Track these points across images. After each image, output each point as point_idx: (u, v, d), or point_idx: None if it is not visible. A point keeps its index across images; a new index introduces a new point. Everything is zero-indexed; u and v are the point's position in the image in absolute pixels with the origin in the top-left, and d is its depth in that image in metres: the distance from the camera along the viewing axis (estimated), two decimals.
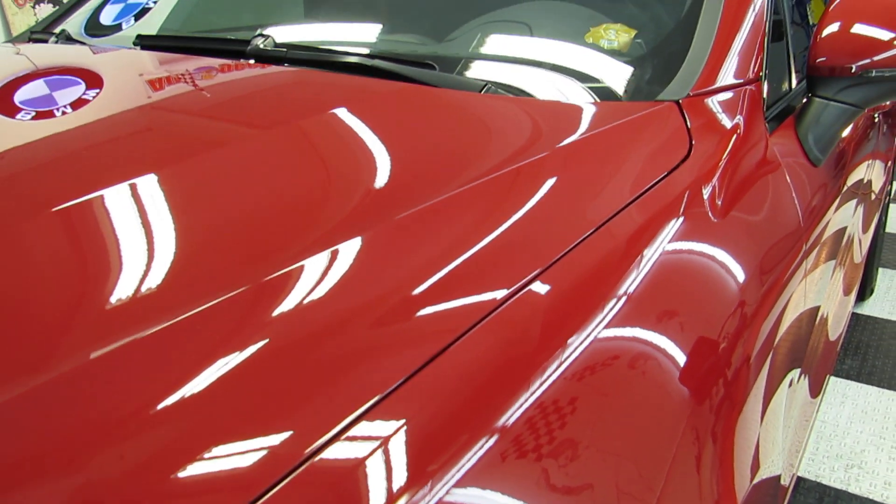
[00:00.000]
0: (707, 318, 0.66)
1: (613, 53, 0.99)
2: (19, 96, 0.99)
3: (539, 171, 0.69)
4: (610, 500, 0.48)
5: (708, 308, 0.67)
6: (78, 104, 0.93)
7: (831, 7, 1.06)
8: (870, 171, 1.73)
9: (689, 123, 0.83)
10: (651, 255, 0.64)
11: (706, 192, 0.75)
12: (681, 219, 0.69)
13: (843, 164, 1.30)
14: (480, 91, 0.89)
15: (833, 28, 1.05)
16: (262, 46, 1.11)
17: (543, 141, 0.76)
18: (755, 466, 0.73)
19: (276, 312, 0.48)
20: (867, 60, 1.02)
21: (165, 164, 0.71)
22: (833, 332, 1.45)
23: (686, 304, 0.64)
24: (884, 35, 1.03)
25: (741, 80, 0.95)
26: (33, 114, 0.91)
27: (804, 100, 1.09)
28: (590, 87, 0.92)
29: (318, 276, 0.52)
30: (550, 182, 0.68)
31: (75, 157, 0.75)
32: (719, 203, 0.75)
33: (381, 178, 0.67)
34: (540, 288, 0.55)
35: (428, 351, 0.46)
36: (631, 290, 0.60)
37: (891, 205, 3.76)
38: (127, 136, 0.81)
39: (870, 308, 2.88)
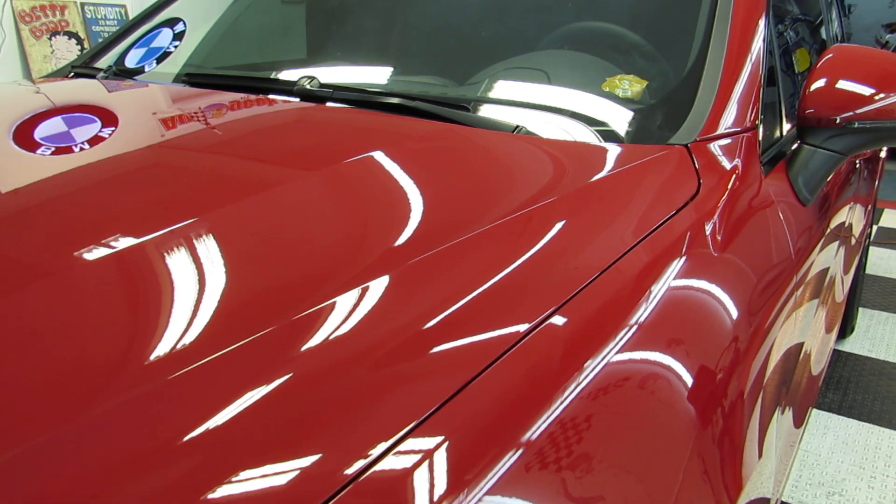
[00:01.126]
0: (709, 347, 0.73)
1: (628, 101, 1.11)
2: (39, 132, 1.04)
3: (564, 207, 0.80)
4: None
5: (712, 336, 0.74)
6: (94, 141, 0.98)
7: (819, 64, 1.20)
8: (851, 215, 1.86)
9: (696, 165, 0.95)
10: (663, 284, 0.73)
11: (710, 228, 0.86)
12: (695, 249, 0.81)
13: (827, 206, 1.42)
14: (512, 132, 1.01)
15: (820, 83, 1.18)
16: (308, 87, 1.22)
17: (569, 179, 0.88)
18: (752, 488, 0.79)
19: (315, 343, 0.53)
20: (850, 113, 1.15)
21: (196, 202, 0.77)
22: (816, 366, 1.55)
23: (690, 333, 0.72)
24: (865, 91, 1.16)
25: (740, 128, 1.07)
26: (53, 149, 0.96)
27: (794, 146, 1.22)
28: (609, 131, 1.04)
29: (353, 308, 0.58)
30: (574, 218, 0.79)
31: (99, 192, 0.80)
32: (719, 238, 0.86)
33: (415, 216, 0.76)
34: (559, 319, 0.61)
35: (460, 378, 0.52)
36: (642, 319, 0.67)
37: (870, 247, 3.91)
38: (147, 175, 0.87)
39: (850, 345, 3.01)
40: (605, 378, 0.60)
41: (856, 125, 1.15)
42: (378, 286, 0.61)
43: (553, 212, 0.78)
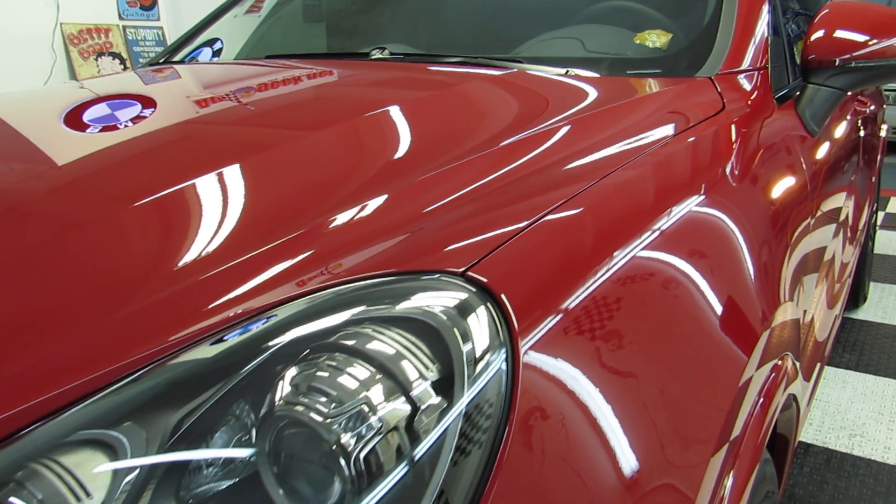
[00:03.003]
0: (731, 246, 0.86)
1: (657, 50, 1.31)
2: (86, 116, 1.17)
3: (609, 116, 1.00)
4: (646, 388, 0.61)
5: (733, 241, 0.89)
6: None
7: (817, 18, 1.40)
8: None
9: (719, 89, 1.14)
10: (697, 175, 0.92)
11: (736, 131, 1.06)
12: (720, 149, 1.00)
13: (834, 138, 1.62)
14: (564, 74, 1.21)
15: (819, 34, 1.38)
16: (381, 56, 1.43)
17: (612, 97, 1.08)
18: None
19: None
20: (847, 56, 1.35)
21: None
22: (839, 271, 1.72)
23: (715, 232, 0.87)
24: (859, 37, 1.36)
25: (753, 67, 1.27)
26: (100, 127, 1.07)
27: (800, 86, 1.41)
28: (645, 71, 1.24)
29: (457, 175, 0.75)
30: (631, 119, 0.98)
31: (161, 149, 0.95)
32: (742, 142, 1.05)
33: (504, 115, 0.96)
34: (594, 199, 0.73)
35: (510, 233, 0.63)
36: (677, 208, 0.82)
37: (879, 230, 4.09)
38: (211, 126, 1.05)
39: (864, 314, 3.17)
40: (632, 268, 0.68)
41: (852, 65, 1.35)
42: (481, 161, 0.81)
43: (604, 117, 0.98)
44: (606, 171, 0.78)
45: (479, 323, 0.53)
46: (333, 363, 0.50)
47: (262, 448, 0.48)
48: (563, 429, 0.54)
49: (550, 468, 0.52)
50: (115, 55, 3.94)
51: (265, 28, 2.21)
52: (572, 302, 0.61)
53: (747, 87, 1.21)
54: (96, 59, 3.85)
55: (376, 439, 0.47)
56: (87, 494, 0.46)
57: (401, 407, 0.49)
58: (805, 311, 1.24)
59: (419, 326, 0.52)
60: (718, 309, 0.78)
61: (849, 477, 2.04)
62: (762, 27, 1.34)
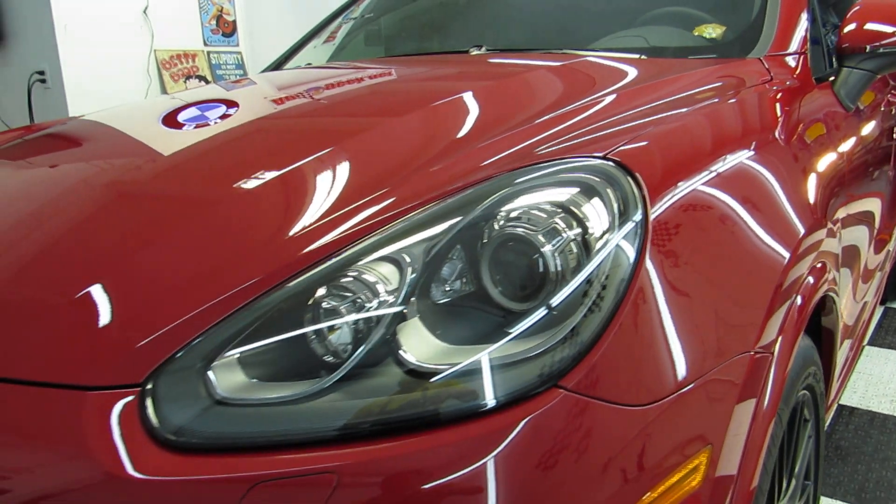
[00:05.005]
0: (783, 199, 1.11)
1: (713, 39, 1.59)
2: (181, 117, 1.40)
3: (692, 76, 1.27)
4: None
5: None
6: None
7: (849, 13, 1.66)
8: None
9: (767, 66, 1.41)
10: (747, 135, 1.18)
11: (783, 97, 1.32)
12: (769, 113, 1.26)
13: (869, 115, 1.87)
14: (638, 57, 1.49)
15: (852, 26, 1.64)
16: (479, 52, 1.73)
17: (691, 68, 1.35)
18: None
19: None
20: (876, 43, 1.61)
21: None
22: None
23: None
24: (888, 29, 1.62)
25: (795, 51, 1.53)
26: (194, 125, 1.29)
27: (835, 69, 1.67)
28: (705, 56, 1.52)
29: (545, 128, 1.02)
30: (699, 79, 1.25)
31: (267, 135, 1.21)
32: (787, 108, 1.32)
33: (597, 84, 1.24)
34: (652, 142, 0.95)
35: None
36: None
37: None
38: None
39: None
40: (692, 199, 0.88)
41: (881, 51, 1.61)
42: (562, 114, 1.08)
43: (679, 79, 1.26)
44: (688, 106, 1.06)
45: (623, 186, 0.80)
46: (531, 206, 0.78)
47: (485, 259, 0.75)
48: (670, 287, 0.78)
49: (655, 314, 0.75)
50: (200, 77, 4.33)
51: (337, 52, 2.54)
52: (675, 194, 0.87)
53: (790, 66, 1.48)
54: (185, 82, 4.24)
55: (563, 254, 0.74)
56: (376, 293, 0.73)
57: (577, 232, 0.76)
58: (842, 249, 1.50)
59: (581, 186, 0.80)
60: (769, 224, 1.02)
61: (890, 433, 2.24)
62: (803, 19, 1.61)
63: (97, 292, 0.80)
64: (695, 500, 0.75)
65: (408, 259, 0.75)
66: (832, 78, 1.67)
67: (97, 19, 3.95)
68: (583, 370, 0.67)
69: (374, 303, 0.72)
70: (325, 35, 2.62)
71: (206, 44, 4.44)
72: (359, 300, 0.73)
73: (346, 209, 0.84)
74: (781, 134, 1.21)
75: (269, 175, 0.96)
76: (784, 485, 1.10)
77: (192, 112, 1.40)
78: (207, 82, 4.37)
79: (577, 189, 0.79)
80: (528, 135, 0.97)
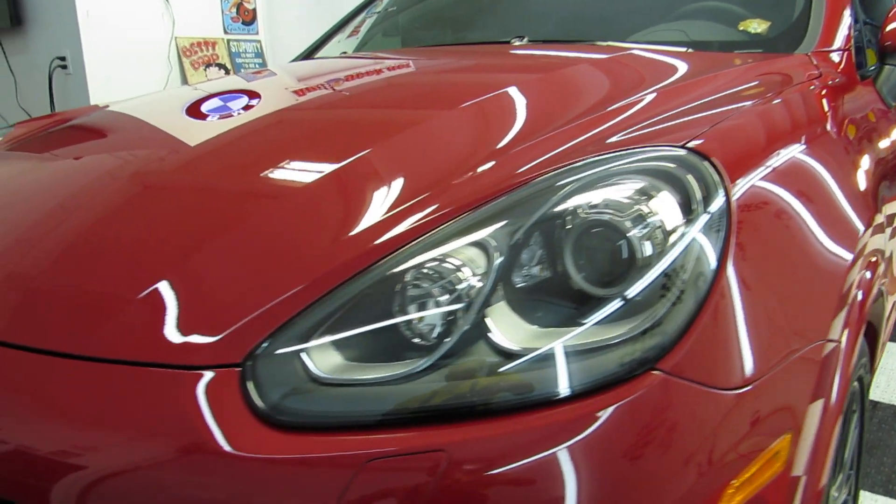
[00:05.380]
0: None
1: (758, 34, 1.61)
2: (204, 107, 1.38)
3: (745, 75, 1.29)
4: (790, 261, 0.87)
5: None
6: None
7: (892, 12, 1.67)
8: None
9: (815, 62, 1.43)
10: (806, 125, 1.20)
11: (832, 92, 1.34)
12: (822, 109, 1.27)
13: None
14: (686, 50, 1.51)
15: (893, 25, 1.65)
16: (521, 43, 1.74)
17: (745, 61, 1.37)
18: None
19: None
20: None
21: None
22: None
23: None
24: None
25: (840, 47, 1.55)
26: (217, 116, 1.29)
27: (878, 67, 1.69)
28: (753, 51, 1.54)
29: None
30: (753, 82, 1.27)
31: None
32: (835, 100, 1.33)
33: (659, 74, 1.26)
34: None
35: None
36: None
37: None
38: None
39: None
40: (764, 190, 0.89)
41: None
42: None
43: (736, 72, 1.28)
44: (750, 100, 1.08)
45: (704, 175, 0.82)
46: (615, 192, 0.79)
47: (569, 244, 0.77)
48: (749, 274, 0.79)
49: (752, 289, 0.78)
50: (220, 66, 4.34)
51: (361, 46, 2.56)
52: (750, 185, 0.88)
53: (835, 62, 1.50)
54: (205, 70, 4.25)
55: (649, 240, 0.76)
56: (464, 277, 0.75)
57: (661, 219, 0.77)
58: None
59: (665, 174, 0.81)
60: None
61: None
62: (846, 16, 1.62)
63: (191, 277, 0.83)
64: (777, 485, 0.77)
65: (494, 243, 0.77)
66: (874, 74, 1.69)
67: (119, 5, 3.95)
68: (679, 353, 0.69)
69: (464, 286, 0.74)
70: (350, 30, 2.63)
71: (226, 32, 4.44)
72: (447, 284, 0.74)
73: (427, 194, 0.86)
74: (833, 129, 1.23)
75: (342, 162, 0.98)
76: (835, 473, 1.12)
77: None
78: (227, 71, 4.38)
79: (661, 177, 0.81)
80: (600, 123, 0.99)
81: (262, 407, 0.69)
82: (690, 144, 0.86)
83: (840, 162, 1.17)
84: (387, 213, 0.85)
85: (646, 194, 0.79)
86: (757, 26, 1.60)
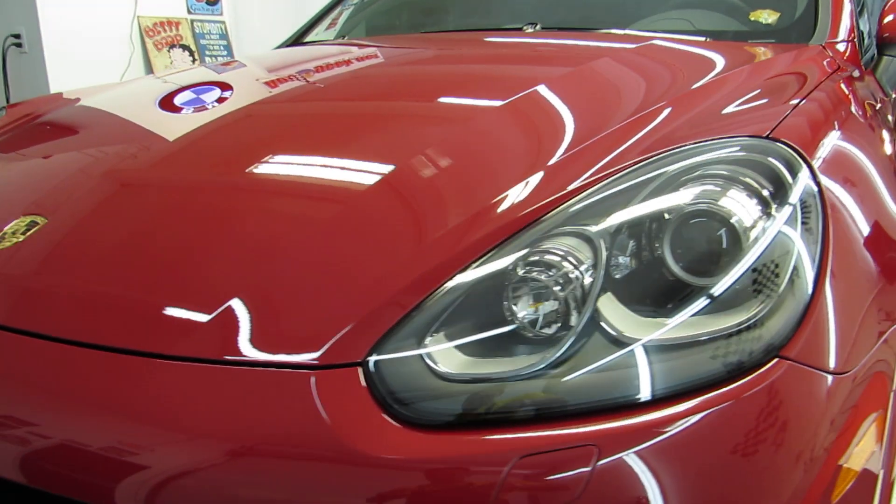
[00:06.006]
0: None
1: (769, 25, 1.65)
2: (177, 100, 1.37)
3: (783, 65, 1.32)
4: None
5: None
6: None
7: (887, 5, 1.74)
8: None
9: (830, 53, 1.48)
10: (833, 112, 1.24)
11: (851, 83, 1.39)
12: (852, 98, 1.32)
13: None
14: (704, 39, 1.54)
15: (890, 17, 1.72)
16: (533, 30, 1.75)
17: (774, 52, 1.40)
18: None
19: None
20: None
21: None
22: None
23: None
24: None
25: (846, 38, 1.61)
26: (192, 109, 1.28)
27: (877, 58, 1.76)
28: (767, 40, 1.58)
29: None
30: (793, 73, 1.30)
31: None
32: (857, 92, 1.38)
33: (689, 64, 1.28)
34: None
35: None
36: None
37: None
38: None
39: None
40: (841, 176, 0.92)
41: None
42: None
43: (769, 67, 1.31)
44: (802, 89, 1.11)
45: (793, 164, 0.84)
46: (712, 179, 0.81)
47: (667, 235, 0.78)
48: (844, 258, 0.81)
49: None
50: (184, 47, 4.22)
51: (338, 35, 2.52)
52: (828, 171, 0.90)
53: (842, 52, 1.55)
54: (169, 51, 4.13)
55: (752, 228, 0.77)
56: (574, 267, 0.76)
57: (760, 205, 0.79)
58: None
59: (754, 163, 0.84)
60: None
61: None
62: (848, 7, 1.68)
63: (289, 278, 0.81)
64: (872, 469, 0.80)
65: (597, 233, 0.78)
66: (872, 64, 1.76)
67: None
68: (800, 339, 0.71)
69: (575, 277, 0.74)
70: (328, 22, 2.57)
71: (189, 12, 4.32)
72: (558, 276, 0.74)
73: (520, 185, 0.86)
74: (862, 116, 1.28)
75: (422, 155, 0.97)
76: None
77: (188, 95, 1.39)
78: (192, 53, 4.26)
79: (752, 166, 0.83)
80: (664, 114, 1.00)
81: (396, 406, 0.68)
82: (773, 134, 0.88)
83: (876, 146, 1.22)
84: (483, 205, 0.84)
85: (743, 183, 0.81)
86: (767, 17, 1.65)
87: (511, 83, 1.24)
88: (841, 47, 1.57)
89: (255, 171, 1.02)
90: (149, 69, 4.03)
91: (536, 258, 0.76)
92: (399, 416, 0.68)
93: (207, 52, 4.27)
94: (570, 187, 0.84)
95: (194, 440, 0.69)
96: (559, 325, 0.73)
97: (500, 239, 0.79)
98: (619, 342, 0.71)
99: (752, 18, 1.67)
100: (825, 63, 1.40)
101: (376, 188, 0.91)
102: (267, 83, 1.49)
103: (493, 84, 1.31)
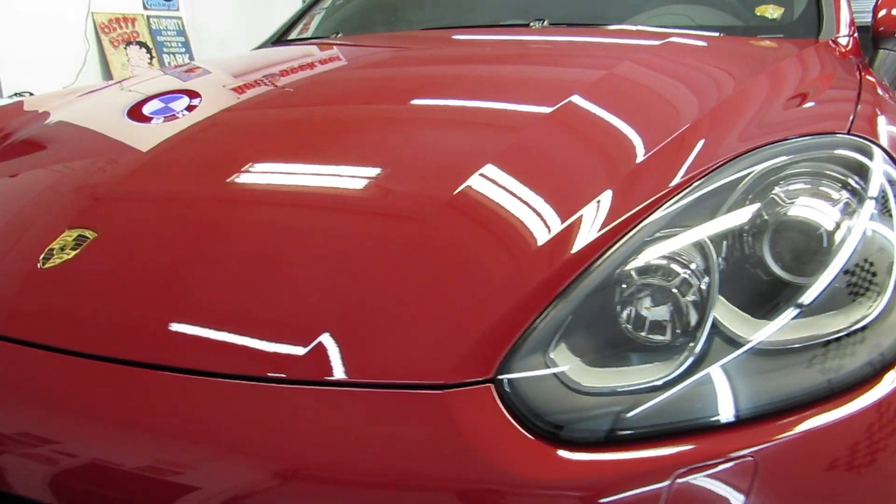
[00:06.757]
0: None
1: (774, 20, 1.68)
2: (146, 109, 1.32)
3: (799, 64, 1.35)
4: None
5: None
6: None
7: (879, 1, 1.80)
8: None
9: (840, 49, 1.52)
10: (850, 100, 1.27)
11: (865, 74, 1.42)
12: (853, 74, 1.35)
13: None
14: (717, 35, 1.56)
15: (883, 12, 1.78)
16: (540, 26, 1.74)
17: (803, 47, 1.43)
18: None
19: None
20: None
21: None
22: None
23: None
24: None
25: (847, 32, 1.65)
26: (162, 118, 1.23)
27: (872, 52, 1.81)
28: (775, 35, 1.61)
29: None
30: (812, 73, 1.33)
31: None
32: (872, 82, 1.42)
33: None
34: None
35: None
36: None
37: None
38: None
39: None
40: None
41: None
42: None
43: (808, 62, 1.33)
44: (851, 82, 1.13)
45: (875, 155, 0.85)
46: (808, 180, 0.82)
47: (767, 236, 0.78)
48: None
49: None
50: (141, 44, 4.07)
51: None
52: None
53: (852, 46, 1.59)
54: (125, 48, 3.97)
55: (852, 226, 0.77)
56: (688, 271, 0.75)
57: (856, 201, 0.79)
58: None
59: (838, 159, 0.84)
60: None
61: None
62: (845, 2, 1.73)
63: (409, 293, 0.76)
64: None
65: (703, 235, 0.77)
66: (869, 57, 1.81)
67: None
68: None
69: (693, 282, 0.73)
70: (301, 26, 2.50)
71: (145, 7, 4.17)
72: (676, 281, 0.73)
73: (618, 190, 0.84)
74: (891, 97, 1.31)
75: (509, 163, 0.94)
76: None
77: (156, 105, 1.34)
78: (149, 50, 4.11)
79: (841, 161, 0.83)
80: (737, 112, 1.01)
81: (539, 424, 0.66)
82: (852, 129, 0.90)
83: None
84: (581, 211, 0.82)
85: (832, 179, 0.81)
86: (773, 12, 1.68)
87: (559, 86, 1.22)
88: (844, 41, 1.61)
89: (327, 184, 0.97)
90: (105, 67, 3.87)
91: (649, 263, 0.75)
92: (544, 434, 0.65)
93: (165, 50, 4.12)
94: (665, 189, 0.83)
95: (313, 469, 0.65)
96: (679, 330, 0.72)
97: (606, 244, 0.77)
98: (737, 344, 0.70)
99: (758, 13, 1.70)
100: (852, 57, 1.43)
101: (459, 199, 0.86)
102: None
103: (544, 85, 1.28)
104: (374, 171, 0.98)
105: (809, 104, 1.03)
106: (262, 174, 1.01)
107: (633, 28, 1.67)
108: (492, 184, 0.89)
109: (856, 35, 1.68)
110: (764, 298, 0.75)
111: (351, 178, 0.97)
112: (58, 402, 0.74)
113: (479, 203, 0.86)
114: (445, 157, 1.00)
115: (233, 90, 1.43)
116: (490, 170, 0.91)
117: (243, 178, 1.00)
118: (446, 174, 0.92)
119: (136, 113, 1.31)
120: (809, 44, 1.52)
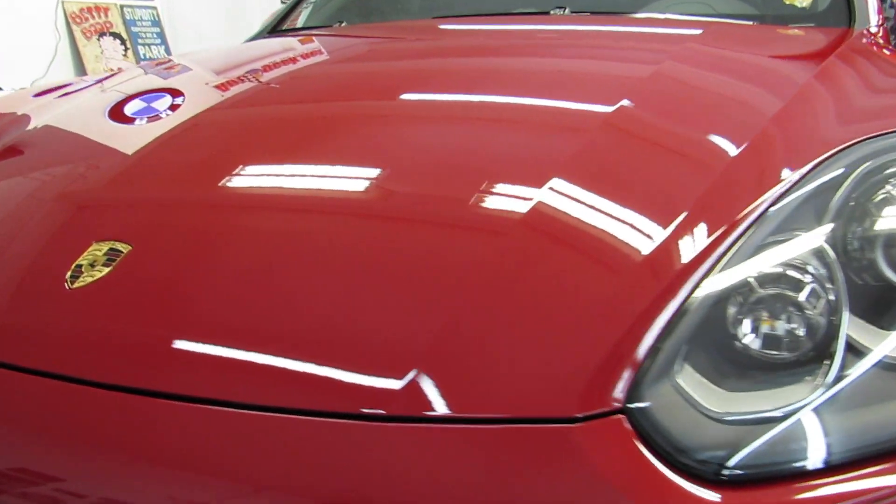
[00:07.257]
0: None
1: (804, 9, 1.63)
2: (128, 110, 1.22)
3: (854, 55, 1.29)
4: None
5: None
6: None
7: None
8: None
9: (874, 36, 1.47)
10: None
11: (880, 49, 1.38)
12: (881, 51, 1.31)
13: None
14: (751, 23, 1.50)
15: None
16: (562, 13, 1.67)
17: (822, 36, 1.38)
18: None
19: None
20: None
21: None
22: None
23: None
24: None
25: (878, 22, 1.61)
26: (145, 119, 1.15)
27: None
28: (809, 23, 1.56)
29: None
30: (875, 65, 1.27)
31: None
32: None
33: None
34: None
35: None
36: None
37: None
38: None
39: None
40: None
41: None
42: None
43: (859, 56, 1.28)
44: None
45: None
46: None
47: (880, 239, 0.72)
48: None
49: None
50: (115, 35, 3.90)
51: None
52: None
53: (878, 35, 1.55)
54: (98, 39, 3.81)
55: None
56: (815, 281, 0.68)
57: None
58: None
59: None
60: None
61: None
62: None
63: (519, 317, 0.67)
64: None
65: (821, 239, 0.71)
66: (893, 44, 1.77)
67: None
68: None
69: (819, 291, 0.67)
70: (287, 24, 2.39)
71: None
72: (803, 291, 0.67)
73: (716, 191, 0.78)
74: None
75: (589, 171, 0.86)
76: None
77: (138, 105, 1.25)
78: (123, 41, 3.95)
79: None
80: (813, 106, 0.95)
81: (682, 458, 0.59)
82: None
83: None
84: (683, 217, 0.74)
85: None
86: (804, 3, 1.63)
87: (612, 82, 1.15)
88: (874, 30, 1.57)
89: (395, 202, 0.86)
90: (77, 60, 3.70)
91: (767, 272, 0.68)
92: (688, 470, 0.58)
93: (140, 41, 3.96)
94: (765, 191, 0.76)
95: None
96: (811, 345, 0.65)
97: (713, 252, 0.70)
98: (870, 357, 0.64)
99: (787, 2, 1.65)
100: (888, 47, 1.38)
101: (540, 211, 0.77)
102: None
103: (595, 82, 1.19)
104: (441, 180, 0.88)
105: (887, 96, 0.98)
106: (322, 178, 0.92)
107: (661, 17, 1.61)
108: (575, 193, 0.81)
109: (885, 25, 1.65)
110: (882, 307, 0.69)
111: (413, 186, 0.88)
112: (134, 448, 0.65)
113: (566, 214, 0.77)
114: (516, 165, 0.89)
115: (263, 83, 1.33)
116: (568, 178, 0.82)
117: (312, 184, 0.92)
118: (521, 184, 0.83)
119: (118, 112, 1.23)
120: (846, 33, 1.47)
